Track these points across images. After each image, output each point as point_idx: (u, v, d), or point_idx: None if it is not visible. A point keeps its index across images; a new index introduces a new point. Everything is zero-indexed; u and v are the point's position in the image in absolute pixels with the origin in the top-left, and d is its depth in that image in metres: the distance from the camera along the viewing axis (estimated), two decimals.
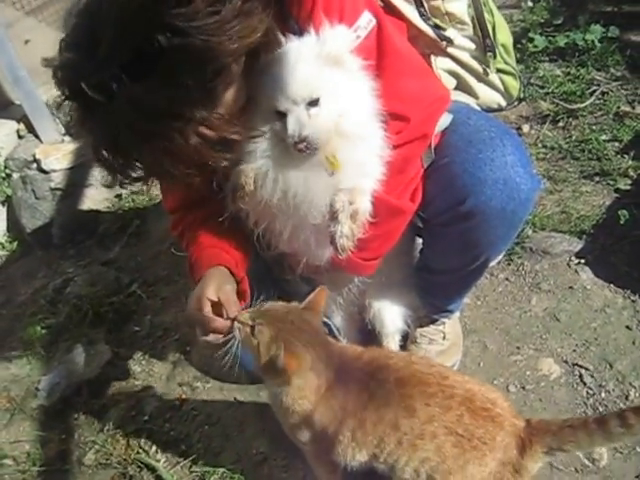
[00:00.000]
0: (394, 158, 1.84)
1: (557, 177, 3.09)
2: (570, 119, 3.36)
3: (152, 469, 2.41)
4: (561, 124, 3.37)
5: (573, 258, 2.70)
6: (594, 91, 3.45)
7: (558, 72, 3.66)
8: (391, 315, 2.39)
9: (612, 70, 3.58)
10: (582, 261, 2.68)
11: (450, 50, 2.13)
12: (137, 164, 1.69)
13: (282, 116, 1.69)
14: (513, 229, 2.08)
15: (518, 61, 3.62)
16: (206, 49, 1.49)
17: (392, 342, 2.43)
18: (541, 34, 3.82)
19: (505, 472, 1.73)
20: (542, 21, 4.02)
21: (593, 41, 3.66)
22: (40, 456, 2.63)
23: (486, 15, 2.16)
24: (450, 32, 2.11)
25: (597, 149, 3.13)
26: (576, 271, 2.66)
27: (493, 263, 2.56)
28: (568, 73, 3.63)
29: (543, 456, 1.73)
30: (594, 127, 3.28)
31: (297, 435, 1.91)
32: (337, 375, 1.84)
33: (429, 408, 1.73)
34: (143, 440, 2.55)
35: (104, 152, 1.64)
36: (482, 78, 2.23)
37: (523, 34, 3.90)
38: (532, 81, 3.63)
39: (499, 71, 2.26)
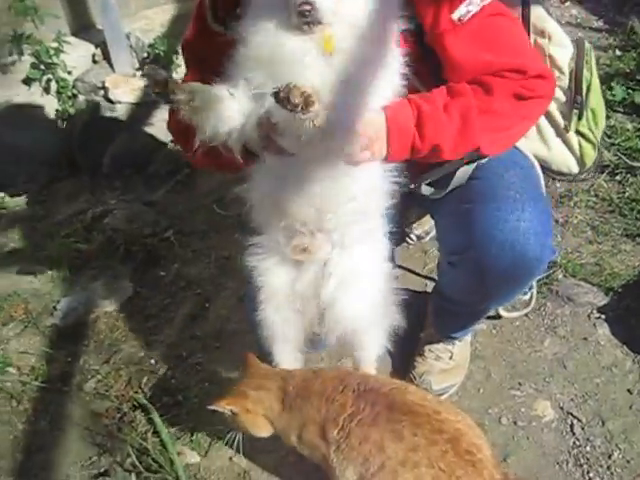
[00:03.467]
0: None
1: (600, 229, 3.10)
2: (628, 175, 3.36)
3: (146, 410, 2.50)
4: (618, 178, 3.37)
5: (595, 311, 2.73)
6: None
7: (629, 126, 3.65)
8: (374, 339, 2.13)
9: None
10: (602, 316, 2.70)
11: None
12: None
13: None
14: (514, 291, 2.16)
15: None
16: None
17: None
18: (622, 85, 3.82)
19: None
20: (627, 71, 4.01)
21: None
22: (43, 372, 2.76)
23: (585, 72, 2.18)
24: None
25: None
26: (594, 324, 2.68)
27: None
28: (638, 129, 3.63)
29: None
30: None
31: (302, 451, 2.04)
32: (303, 392, 1.97)
33: (416, 438, 1.79)
34: (144, 381, 2.65)
35: None
36: (561, 133, 2.25)
37: (605, 80, 3.90)
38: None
39: (580, 134, 2.27)
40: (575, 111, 2.22)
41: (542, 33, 2.14)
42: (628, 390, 2.45)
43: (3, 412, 2.61)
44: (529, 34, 2.13)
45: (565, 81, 2.19)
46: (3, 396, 2.66)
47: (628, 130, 3.60)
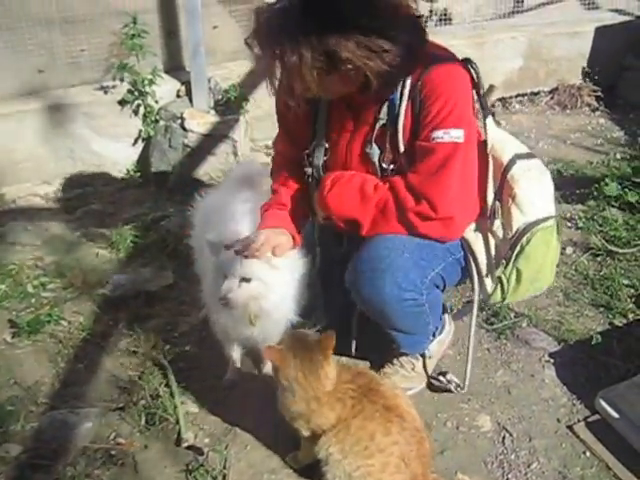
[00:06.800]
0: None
1: (571, 295, 3.56)
2: (608, 258, 3.83)
3: (163, 369, 3.01)
4: (599, 259, 3.84)
5: (546, 355, 3.15)
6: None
7: (619, 219, 4.13)
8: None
9: None
10: (552, 360, 3.12)
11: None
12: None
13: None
14: (397, 321, 2.64)
15: (592, 198, 4.15)
16: None
17: None
18: (620, 183, 4.37)
19: None
20: (629, 173, 4.57)
21: None
22: (88, 328, 3.32)
23: (523, 240, 2.57)
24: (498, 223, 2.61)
25: (614, 288, 3.57)
26: (543, 366, 3.09)
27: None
28: (627, 223, 4.11)
29: None
30: (622, 271, 3.72)
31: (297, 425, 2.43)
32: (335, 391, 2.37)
33: (399, 436, 2.28)
34: (167, 348, 3.18)
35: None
36: (489, 269, 2.67)
37: (604, 177, 4.49)
38: (595, 218, 4.18)
39: (499, 281, 2.67)
40: (503, 261, 2.62)
41: (511, 191, 2.55)
42: (557, 419, 2.81)
43: (51, 353, 3.16)
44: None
45: (510, 235, 2.59)
46: (54, 341, 3.23)
47: (617, 221, 4.09)
